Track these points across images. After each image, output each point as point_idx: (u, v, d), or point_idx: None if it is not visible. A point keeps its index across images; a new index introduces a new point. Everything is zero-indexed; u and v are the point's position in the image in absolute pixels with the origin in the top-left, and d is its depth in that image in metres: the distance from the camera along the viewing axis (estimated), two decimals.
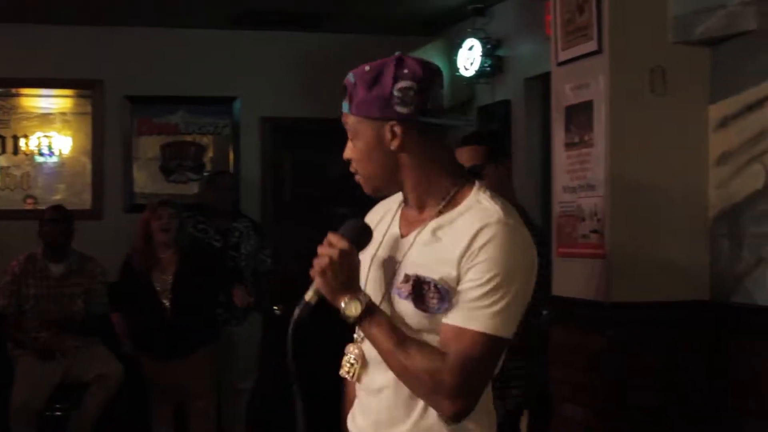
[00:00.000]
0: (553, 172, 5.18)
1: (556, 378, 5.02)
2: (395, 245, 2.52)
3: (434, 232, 2.43)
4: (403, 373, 2.37)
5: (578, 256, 4.92)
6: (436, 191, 2.47)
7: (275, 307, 7.53)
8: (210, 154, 8.36)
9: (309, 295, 2.50)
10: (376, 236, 2.56)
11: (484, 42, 7.08)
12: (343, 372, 2.68)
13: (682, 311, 4.76)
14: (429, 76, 2.44)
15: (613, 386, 4.73)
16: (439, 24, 7.81)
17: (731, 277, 4.65)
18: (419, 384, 2.34)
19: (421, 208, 2.50)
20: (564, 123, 5.06)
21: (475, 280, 2.32)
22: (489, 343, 2.32)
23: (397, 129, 2.42)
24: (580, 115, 4.94)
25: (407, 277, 2.41)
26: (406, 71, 2.41)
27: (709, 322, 4.75)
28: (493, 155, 4.10)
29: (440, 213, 2.45)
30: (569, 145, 5.00)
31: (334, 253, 2.42)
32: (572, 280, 4.97)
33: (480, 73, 7.14)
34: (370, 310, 2.40)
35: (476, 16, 7.19)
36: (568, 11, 5.03)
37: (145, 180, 8.22)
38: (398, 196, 2.59)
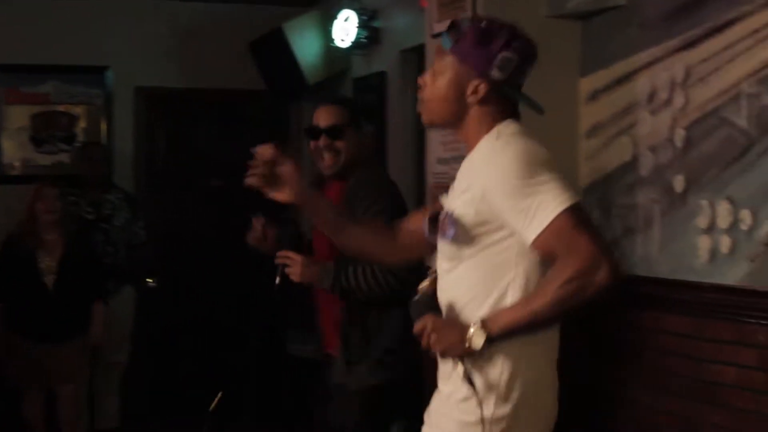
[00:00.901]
0: (427, 144, 5.21)
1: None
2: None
3: (465, 173, 2.69)
4: (560, 306, 2.45)
5: None
6: (475, 136, 2.69)
7: (149, 280, 7.44)
8: (82, 124, 8.19)
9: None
10: None
11: (359, 13, 7.06)
12: None
13: None
14: (531, 55, 2.69)
15: None
16: None
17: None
18: (575, 294, 2.42)
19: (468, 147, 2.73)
20: None
21: (504, 197, 2.49)
22: (573, 213, 2.44)
23: (482, 87, 2.63)
24: None
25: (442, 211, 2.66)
26: (517, 45, 2.62)
27: None
28: (354, 119, 4.09)
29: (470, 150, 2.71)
30: None
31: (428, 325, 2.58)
32: None
33: (355, 45, 7.13)
34: (488, 326, 2.50)
35: None
36: None
37: (15, 150, 8.01)
38: None
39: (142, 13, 8.09)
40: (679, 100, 4.28)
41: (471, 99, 2.65)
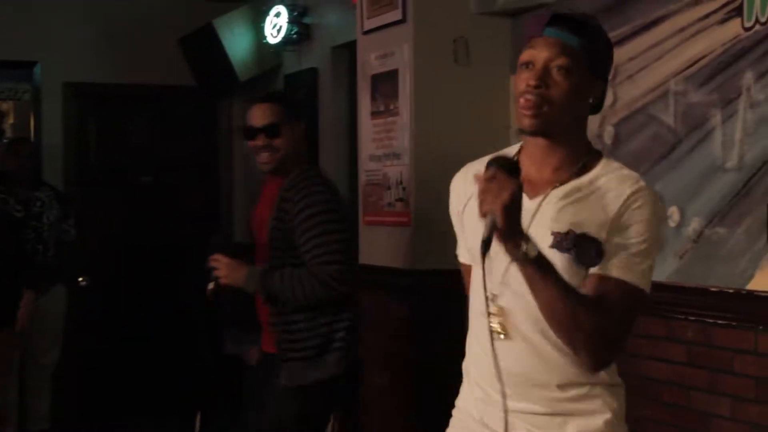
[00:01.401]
0: (359, 141, 5.21)
1: (365, 345, 5.06)
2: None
3: (571, 193, 2.43)
4: (567, 319, 2.32)
5: (384, 224, 4.98)
6: (575, 155, 2.47)
7: (80, 279, 7.36)
8: (10, 120, 8.08)
9: (486, 232, 2.26)
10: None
11: (290, 9, 7.04)
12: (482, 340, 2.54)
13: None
14: None
15: (419, 354, 4.80)
16: None
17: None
18: (581, 331, 2.32)
19: (550, 169, 2.46)
20: (370, 92, 5.09)
21: (633, 239, 2.37)
22: (642, 298, 2.39)
23: (600, 89, 2.48)
24: (385, 83, 4.98)
25: (558, 233, 2.39)
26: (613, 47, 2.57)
27: None
28: (289, 115, 4.08)
29: (575, 176, 2.45)
30: (375, 114, 5.04)
31: (514, 188, 2.26)
32: (378, 248, 5.02)
33: (287, 41, 7.10)
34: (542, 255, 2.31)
35: None
36: None
37: None
38: (484, 163, 2.41)
39: (71, 7, 7.99)
40: (607, 97, 4.30)
41: (592, 101, 2.48)
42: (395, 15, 4.88)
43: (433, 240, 4.77)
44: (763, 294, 3.58)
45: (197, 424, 5.23)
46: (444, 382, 4.79)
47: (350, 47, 5.98)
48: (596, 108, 2.52)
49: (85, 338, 7.72)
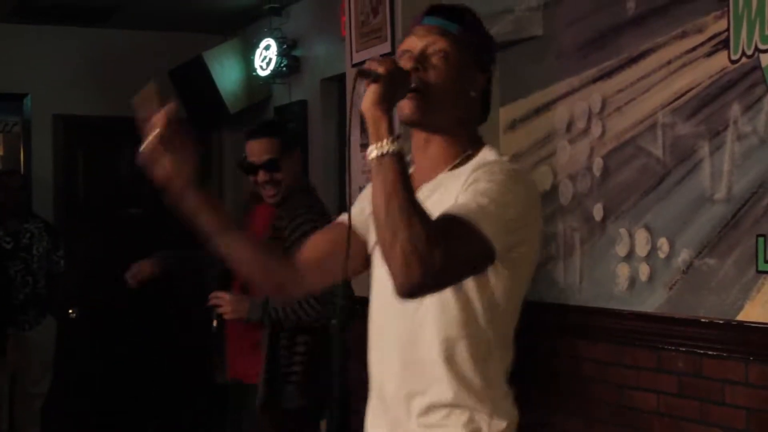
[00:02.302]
0: (348, 173, 5.21)
1: (354, 377, 5.05)
2: None
3: (438, 185, 2.28)
4: (389, 213, 2.03)
5: None
6: (455, 149, 2.31)
7: (70, 311, 7.35)
8: (0, 152, 8.09)
9: (368, 72, 2.14)
10: None
11: (280, 42, 7.07)
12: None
13: None
14: None
15: None
16: (236, 23, 7.76)
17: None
18: (399, 236, 2.01)
19: (429, 164, 2.33)
20: (359, 124, 5.09)
21: (474, 187, 2.15)
22: (470, 233, 2.08)
23: (481, 83, 2.35)
24: None
25: None
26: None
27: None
28: (287, 147, 4.11)
29: (452, 169, 2.29)
30: (365, 146, 5.04)
31: (408, 63, 2.24)
32: (366, 278, 5.01)
33: (276, 73, 7.13)
34: (401, 155, 2.08)
35: (272, 15, 7.17)
36: (362, 13, 5.08)
37: None
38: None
39: (61, 40, 8.02)
40: (596, 129, 4.34)
41: (475, 92, 2.33)
42: (384, 47, 4.91)
43: None
44: (753, 324, 3.60)
45: None
46: None
47: (340, 79, 6.01)
48: (484, 111, 2.38)
49: (75, 369, 7.70)
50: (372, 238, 2.43)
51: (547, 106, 4.65)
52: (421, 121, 2.29)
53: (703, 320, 3.80)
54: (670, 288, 3.96)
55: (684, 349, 3.88)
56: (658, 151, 4.03)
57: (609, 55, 4.27)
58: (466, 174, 2.22)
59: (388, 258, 2.05)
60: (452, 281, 2.15)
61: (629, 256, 4.15)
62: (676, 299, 3.94)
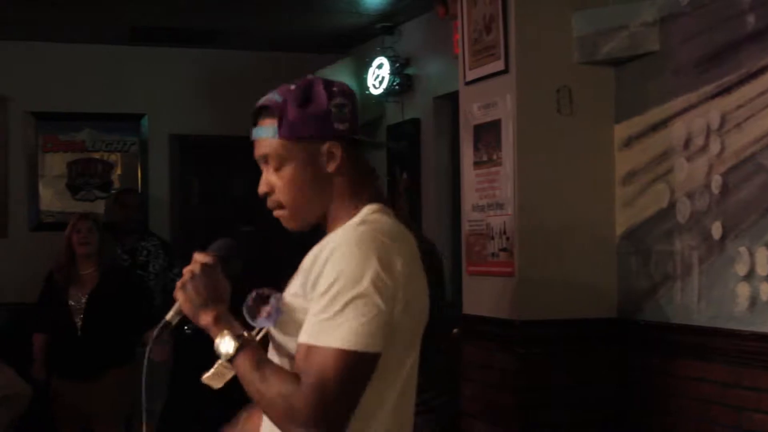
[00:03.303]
0: (462, 191, 5.21)
1: (466, 396, 5.04)
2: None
3: (310, 257, 2.23)
4: (259, 401, 2.17)
5: (488, 274, 4.95)
6: (345, 215, 2.27)
7: (186, 327, 7.43)
8: (118, 171, 8.26)
9: (170, 315, 2.29)
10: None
11: (392, 60, 7.10)
12: None
13: (590, 329, 4.81)
14: (353, 95, 2.30)
15: (523, 404, 4.76)
16: (348, 42, 7.82)
17: (638, 294, 4.71)
18: (273, 411, 2.13)
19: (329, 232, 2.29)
20: (472, 142, 5.09)
21: (318, 293, 2.10)
22: (345, 360, 2.05)
23: (335, 149, 2.22)
24: (488, 134, 4.97)
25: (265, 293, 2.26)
26: (335, 89, 2.25)
27: (617, 339, 4.80)
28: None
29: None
30: (478, 164, 5.04)
31: (196, 267, 2.25)
32: (482, 298, 5.00)
33: (389, 92, 7.16)
34: (242, 345, 2.19)
35: (385, 34, 7.21)
36: (475, 31, 5.07)
37: (52, 198, 8.09)
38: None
39: (177, 61, 8.17)
40: (715, 146, 4.26)
41: (332, 167, 2.22)
42: (498, 65, 4.88)
43: (537, 290, 4.74)
44: None
45: None
46: None
47: (452, 98, 5.99)
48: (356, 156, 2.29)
49: (191, 386, 7.78)
50: None
51: (664, 123, 4.57)
52: (305, 225, 2.32)
53: None
54: None
55: None
56: None
57: (728, 71, 4.19)
58: (323, 249, 2.17)
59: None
60: (343, 412, 2.09)
61: (750, 276, 4.06)
62: None
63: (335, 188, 2.26)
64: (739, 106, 4.13)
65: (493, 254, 4.92)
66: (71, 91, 7.97)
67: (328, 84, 2.26)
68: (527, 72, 4.81)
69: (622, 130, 4.86)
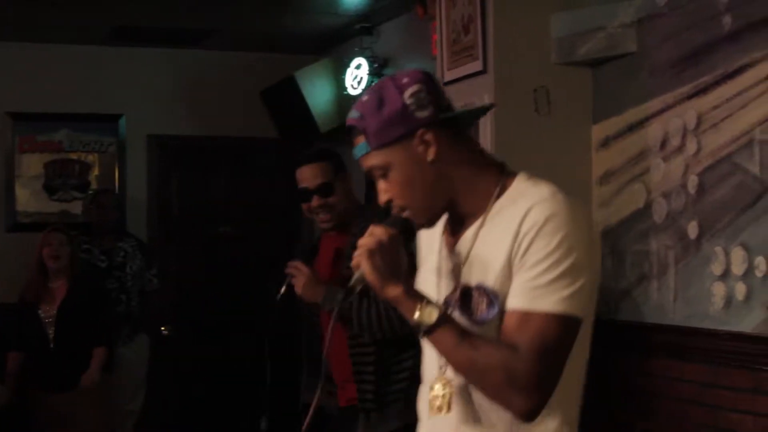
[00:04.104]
0: None
1: None
2: (448, 262, 2.30)
3: (478, 233, 2.22)
4: (470, 370, 2.13)
5: None
6: (483, 191, 2.25)
7: (162, 328, 7.43)
8: (95, 172, 8.22)
9: (353, 282, 2.25)
10: (430, 261, 2.36)
11: (371, 61, 7.09)
12: (426, 409, 2.33)
13: None
14: (428, 76, 2.29)
15: None
16: (326, 43, 7.81)
17: (615, 294, 4.72)
18: (490, 377, 2.09)
19: (469, 214, 2.26)
20: None
21: (532, 260, 2.11)
22: (563, 325, 2.10)
23: (428, 136, 2.21)
24: None
25: (455, 288, 2.23)
26: (405, 80, 2.24)
27: (593, 339, 4.80)
28: (338, 170, 4.09)
29: (487, 212, 2.23)
30: None
31: (384, 236, 2.19)
32: None
33: None
34: (445, 316, 2.15)
35: (363, 35, 7.20)
36: (453, 31, 5.08)
37: (28, 198, 8.04)
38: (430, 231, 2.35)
39: (155, 61, 8.14)
40: (691, 146, 4.28)
41: (431, 155, 2.21)
42: (476, 66, 4.90)
43: None
44: None
45: None
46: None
47: None
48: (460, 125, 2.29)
49: (168, 387, 7.78)
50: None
51: (641, 123, 4.60)
52: (435, 220, 2.29)
53: None
54: None
55: None
56: (754, 168, 3.96)
57: (704, 72, 4.21)
58: (513, 221, 2.15)
59: (496, 398, 2.14)
60: (557, 377, 2.13)
61: (725, 275, 4.08)
62: None
63: (450, 171, 2.25)
64: (716, 107, 4.15)
65: None
66: (48, 91, 7.92)
67: (397, 78, 2.26)
68: (505, 72, 4.82)
69: (599, 131, 4.88)
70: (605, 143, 4.84)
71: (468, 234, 2.25)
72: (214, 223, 8.31)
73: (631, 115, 4.65)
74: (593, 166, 4.90)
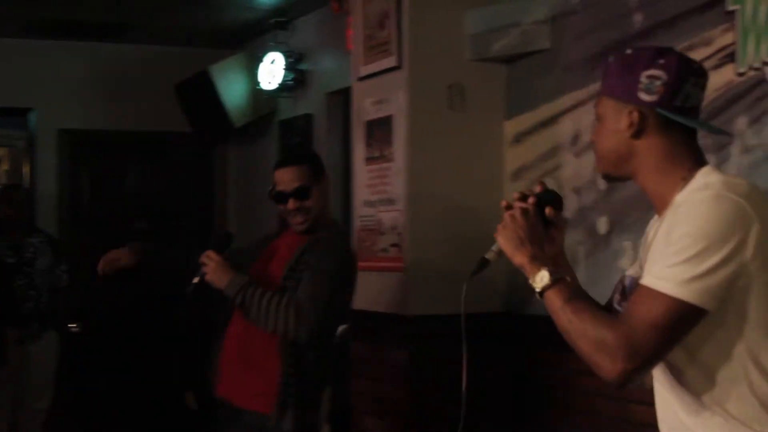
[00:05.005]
0: (353, 187, 5.21)
1: (357, 391, 5.03)
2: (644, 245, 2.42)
3: (659, 226, 2.29)
4: (569, 330, 2.30)
5: (378, 269, 4.96)
6: (669, 187, 2.31)
7: (72, 325, 7.32)
8: (4, 166, 8.10)
9: (490, 254, 2.53)
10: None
11: (286, 56, 7.07)
12: None
13: (480, 323, 4.82)
14: (687, 72, 2.32)
15: (415, 398, 4.77)
16: (242, 37, 7.77)
17: (527, 288, 4.74)
18: (583, 341, 2.26)
19: (659, 206, 2.34)
20: (365, 137, 5.10)
21: (665, 242, 2.18)
22: (675, 309, 2.12)
23: (635, 115, 2.30)
24: (380, 129, 4.98)
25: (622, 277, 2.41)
26: (662, 61, 2.29)
27: (506, 333, 4.84)
28: (316, 174, 4.07)
29: (669, 207, 2.29)
30: (370, 160, 5.04)
31: (517, 211, 2.42)
32: (372, 293, 4.99)
33: (282, 87, 7.13)
34: (557, 281, 2.35)
35: (278, 29, 7.17)
36: (368, 27, 5.07)
37: None
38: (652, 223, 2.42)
39: (67, 55, 8.02)
40: None
41: (629, 131, 2.31)
42: (390, 61, 4.90)
43: (426, 285, 4.76)
44: None
45: None
46: (439, 428, 4.78)
47: (345, 93, 5.99)
48: (687, 129, 2.35)
49: (77, 384, 7.67)
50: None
51: (553, 120, 4.63)
52: (609, 177, 2.45)
53: None
54: None
55: None
56: None
57: None
58: (669, 219, 2.24)
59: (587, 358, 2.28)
60: (659, 355, 2.19)
61: None
62: None
63: (642, 155, 2.34)
64: None
65: (383, 249, 4.93)
66: None
67: (658, 55, 2.32)
68: (420, 68, 4.83)
69: (512, 127, 4.90)
70: (518, 139, 4.87)
71: (653, 224, 2.38)
72: (128, 219, 8.21)
73: (544, 111, 4.69)
74: (506, 162, 4.93)
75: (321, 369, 3.95)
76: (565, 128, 4.55)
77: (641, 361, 2.16)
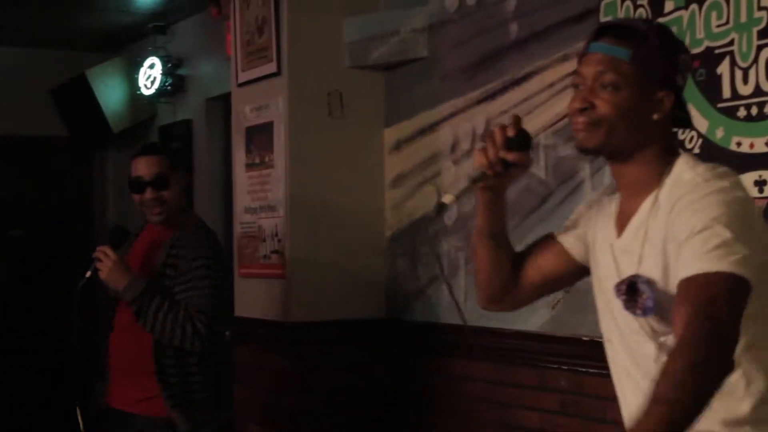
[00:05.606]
0: (234, 193, 5.19)
1: (240, 398, 5.01)
2: (613, 249, 2.27)
3: (644, 220, 2.19)
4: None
5: (259, 276, 4.96)
6: (650, 168, 2.21)
7: None
8: None
9: (474, 174, 2.33)
10: (602, 246, 2.31)
11: (164, 60, 7.00)
12: None
13: (361, 330, 4.87)
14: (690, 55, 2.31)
15: (296, 405, 4.78)
16: (119, 41, 7.67)
17: (407, 295, 4.79)
18: (704, 359, 1.92)
19: (635, 191, 2.23)
20: (244, 144, 5.09)
21: (690, 232, 2.04)
22: (735, 283, 1.99)
23: (669, 101, 2.20)
24: (260, 136, 4.97)
25: (621, 280, 2.19)
26: (682, 45, 2.27)
27: (387, 340, 4.88)
28: (174, 166, 4.04)
29: (659, 189, 2.19)
30: (250, 166, 5.03)
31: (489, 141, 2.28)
32: (253, 300, 4.99)
33: (161, 92, 7.06)
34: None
35: (157, 34, 7.10)
36: (248, 32, 5.06)
37: None
38: (610, 199, 2.33)
39: None
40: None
41: (658, 115, 2.20)
42: (270, 68, 4.89)
43: (307, 292, 4.77)
44: None
45: None
46: None
47: (225, 99, 5.96)
48: (681, 121, 2.30)
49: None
50: (592, 262, 2.40)
51: (432, 127, 4.68)
52: (596, 150, 2.23)
53: (584, 339, 3.85)
54: (553, 307, 4.00)
55: (566, 367, 3.93)
56: (540, 172, 4.08)
57: (492, 78, 4.32)
58: (666, 205, 2.15)
59: None
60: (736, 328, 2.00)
61: None
62: (559, 318, 3.98)
63: (651, 136, 2.22)
64: (503, 112, 4.26)
65: (264, 256, 4.92)
66: None
67: (676, 36, 2.30)
68: (299, 75, 4.84)
69: (391, 134, 4.94)
70: (397, 146, 4.91)
71: (634, 220, 2.23)
72: (3, 226, 8.04)
73: (423, 119, 4.73)
74: (385, 169, 4.96)
75: (207, 369, 3.93)
76: (444, 136, 4.60)
77: (733, 334, 1.98)
